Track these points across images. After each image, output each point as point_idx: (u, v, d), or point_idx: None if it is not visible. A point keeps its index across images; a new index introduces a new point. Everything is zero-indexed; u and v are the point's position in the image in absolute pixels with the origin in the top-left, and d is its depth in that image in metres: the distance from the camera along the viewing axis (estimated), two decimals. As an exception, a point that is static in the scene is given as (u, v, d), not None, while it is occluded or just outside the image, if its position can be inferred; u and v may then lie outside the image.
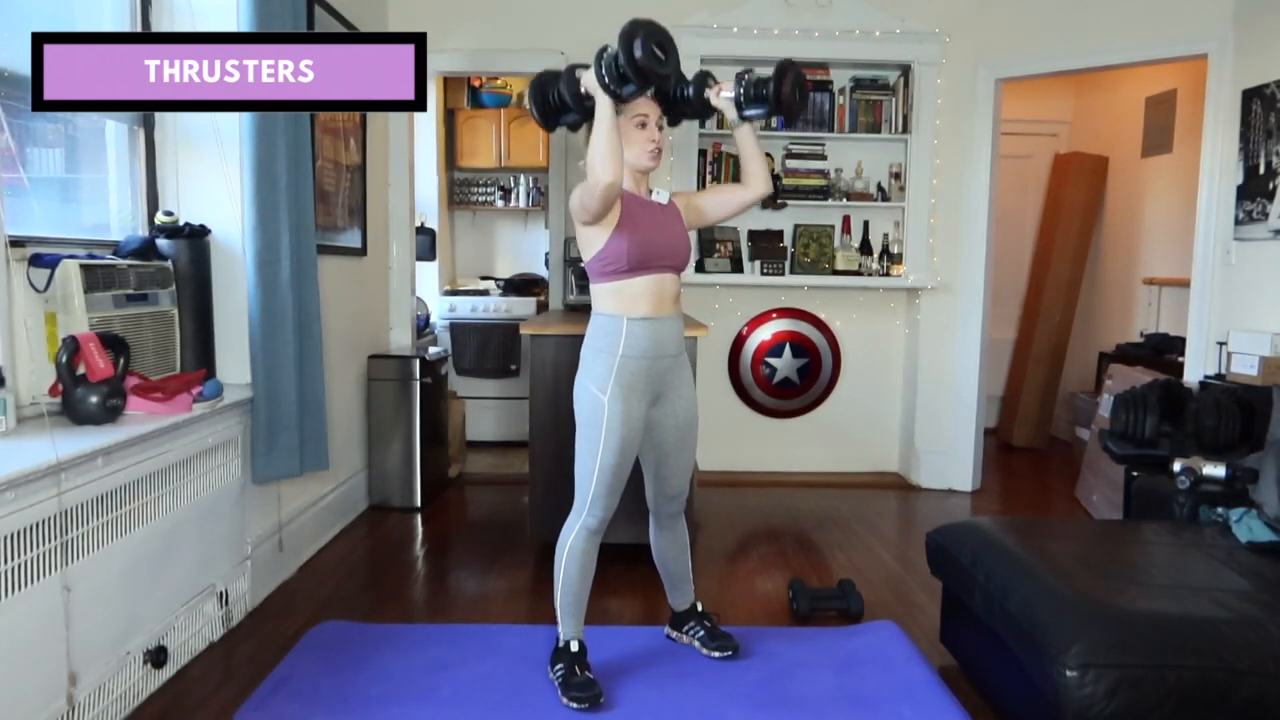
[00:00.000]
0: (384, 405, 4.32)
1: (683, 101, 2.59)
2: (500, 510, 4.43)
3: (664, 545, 2.71)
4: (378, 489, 4.35)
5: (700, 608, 2.79)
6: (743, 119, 2.55)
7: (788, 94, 2.48)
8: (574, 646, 2.50)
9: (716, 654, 2.66)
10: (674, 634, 2.80)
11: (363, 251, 4.30)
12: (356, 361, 4.24)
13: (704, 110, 2.59)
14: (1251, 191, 3.84)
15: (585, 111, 2.36)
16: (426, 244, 5.74)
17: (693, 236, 2.81)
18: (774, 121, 4.85)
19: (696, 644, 2.73)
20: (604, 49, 2.32)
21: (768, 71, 2.50)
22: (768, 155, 4.89)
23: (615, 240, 2.38)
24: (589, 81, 2.30)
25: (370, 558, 3.69)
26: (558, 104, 2.40)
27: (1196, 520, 2.82)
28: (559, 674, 2.48)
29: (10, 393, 2.19)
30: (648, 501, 2.67)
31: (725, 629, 2.76)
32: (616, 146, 2.28)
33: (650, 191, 2.54)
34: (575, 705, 2.39)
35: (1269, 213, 3.73)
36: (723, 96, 2.52)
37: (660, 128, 2.48)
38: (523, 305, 5.86)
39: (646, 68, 2.25)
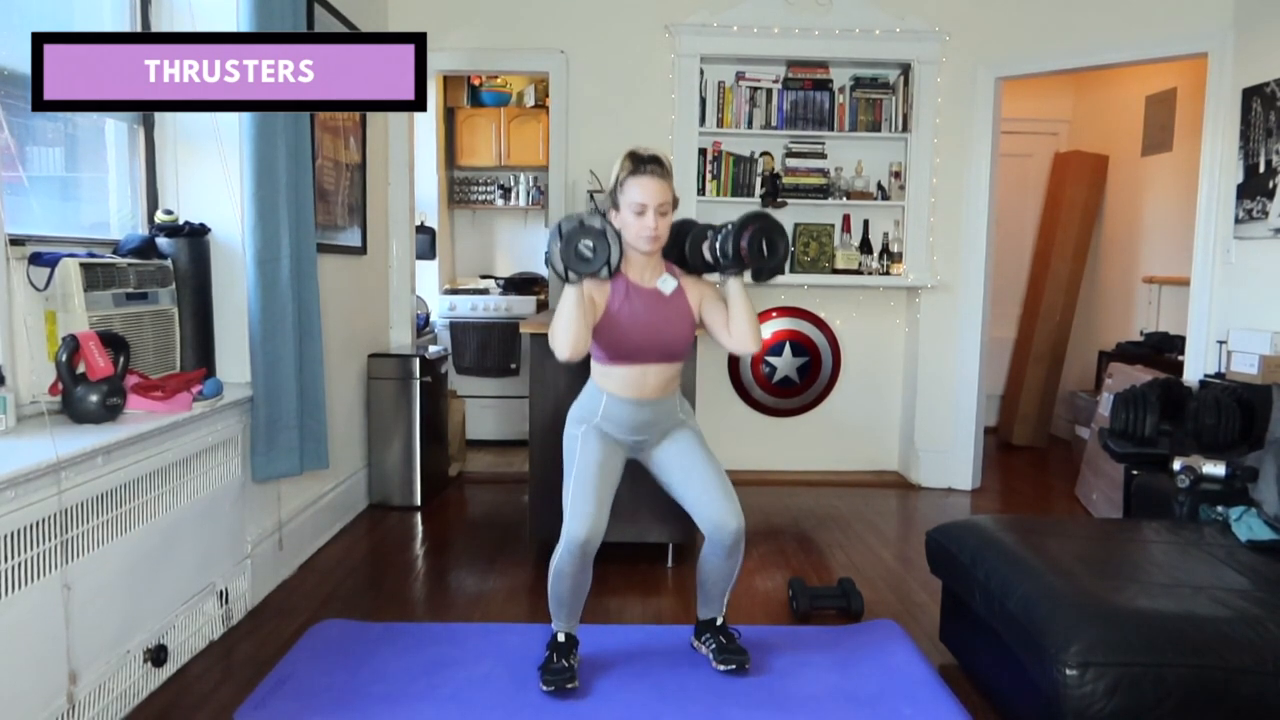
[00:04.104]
0: (384, 404, 4.33)
1: (685, 261, 2.51)
2: (500, 509, 4.43)
3: (713, 564, 2.55)
4: (378, 488, 4.35)
5: (720, 622, 2.70)
6: (723, 274, 2.45)
7: (746, 250, 2.35)
8: (561, 637, 2.54)
9: (722, 668, 2.60)
10: (695, 643, 2.75)
11: (363, 250, 4.30)
12: (356, 360, 4.24)
13: (707, 265, 2.49)
14: (1251, 190, 3.84)
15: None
16: (426, 243, 5.74)
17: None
18: (775, 119, 4.86)
19: (710, 655, 2.67)
20: (559, 226, 2.31)
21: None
22: (767, 154, 4.91)
23: (596, 333, 2.38)
24: None
25: (370, 556, 3.69)
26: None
27: (1196, 519, 2.82)
28: (544, 658, 2.53)
29: (10, 391, 2.19)
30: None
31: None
32: (574, 325, 2.28)
33: (659, 274, 2.47)
34: (545, 688, 2.43)
35: (1269, 211, 3.73)
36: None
37: (663, 214, 2.38)
38: (523, 304, 5.86)
39: (570, 266, 2.26)
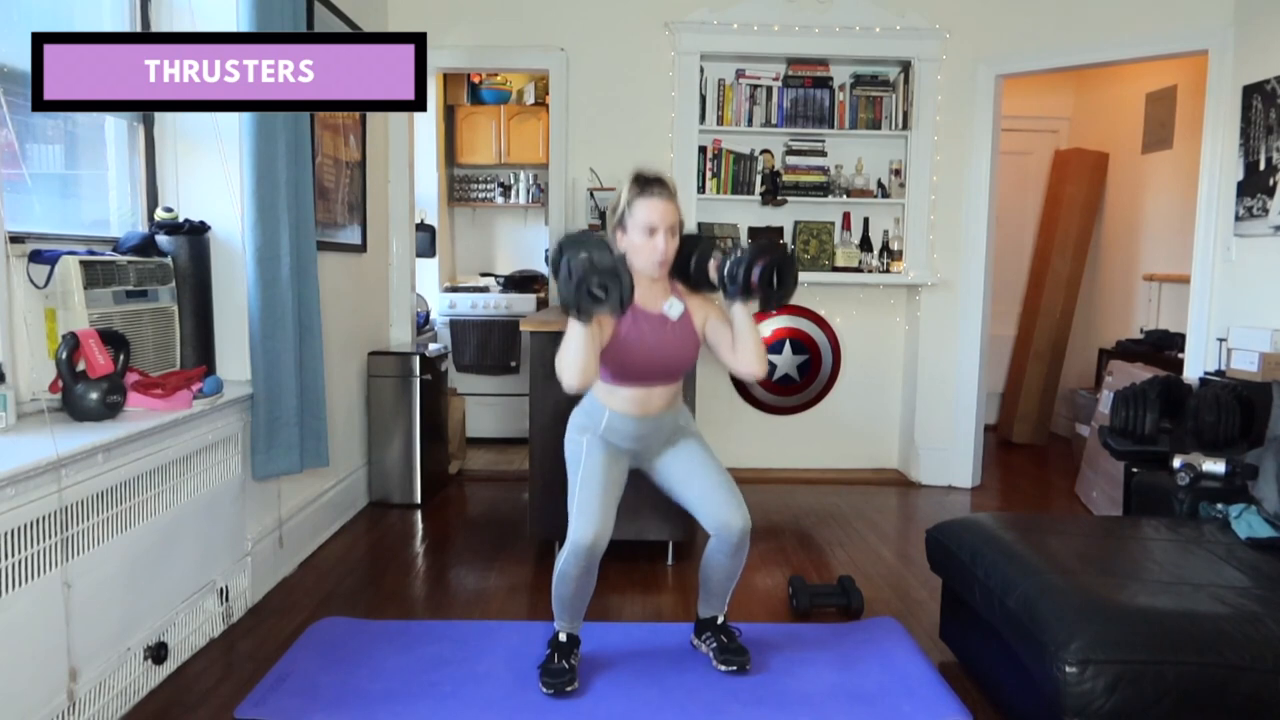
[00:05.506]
0: (384, 402, 4.33)
1: (686, 276, 2.46)
2: (500, 507, 4.43)
3: (717, 562, 2.54)
4: (378, 485, 4.35)
5: (721, 621, 2.70)
6: (728, 299, 2.38)
7: (756, 283, 2.31)
8: (562, 637, 2.54)
9: (723, 668, 2.61)
10: (695, 641, 2.76)
11: (362, 248, 4.30)
12: (356, 358, 4.24)
13: (709, 284, 2.45)
14: (1252, 188, 3.84)
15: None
16: (426, 240, 5.74)
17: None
18: (775, 117, 4.85)
19: (711, 655, 2.68)
20: (560, 254, 2.23)
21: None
22: (767, 152, 4.90)
23: (602, 356, 2.36)
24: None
25: (370, 554, 3.70)
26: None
27: (1196, 516, 2.82)
28: (544, 657, 2.53)
29: (10, 389, 2.19)
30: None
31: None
32: (582, 356, 2.23)
33: (665, 298, 2.44)
34: (544, 689, 2.43)
35: (1269, 209, 3.72)
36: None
37: (672, 235, 2.36)
38: (522, 302, 5.86)
39: (581, 308, 2.16)
